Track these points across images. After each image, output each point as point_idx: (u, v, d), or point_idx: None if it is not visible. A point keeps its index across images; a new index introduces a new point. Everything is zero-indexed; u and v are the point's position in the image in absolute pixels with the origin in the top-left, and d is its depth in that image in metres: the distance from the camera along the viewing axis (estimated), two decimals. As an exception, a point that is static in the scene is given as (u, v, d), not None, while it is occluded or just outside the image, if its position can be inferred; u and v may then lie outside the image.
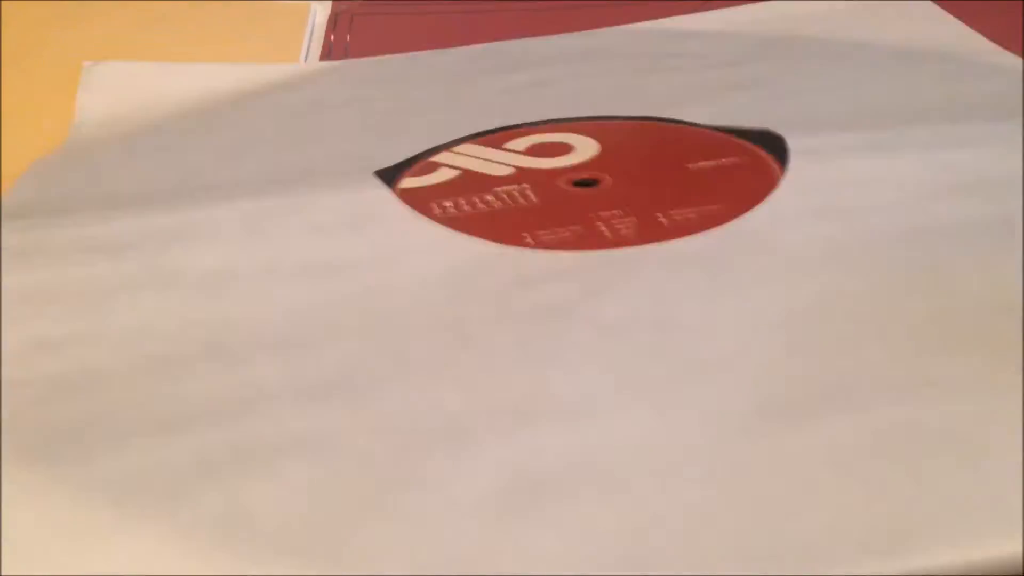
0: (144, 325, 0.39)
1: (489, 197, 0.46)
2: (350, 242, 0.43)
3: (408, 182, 0.47)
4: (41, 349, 0.37)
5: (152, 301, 0.40)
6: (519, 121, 0.53)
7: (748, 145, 0.48)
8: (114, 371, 0.36)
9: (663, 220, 0.43)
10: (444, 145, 0.51)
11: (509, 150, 0.50)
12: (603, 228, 0.42)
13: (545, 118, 0.53)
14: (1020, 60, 0.57)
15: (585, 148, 0.49)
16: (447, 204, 0.45)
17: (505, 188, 0.46)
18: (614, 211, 0.44)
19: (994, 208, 0.42)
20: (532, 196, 0.46)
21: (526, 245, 0.42)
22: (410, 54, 0.66)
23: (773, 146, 0.48)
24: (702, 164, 0.47)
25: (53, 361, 0.37)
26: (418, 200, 0.46)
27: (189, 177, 0.50)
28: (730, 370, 0.34)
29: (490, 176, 0.47)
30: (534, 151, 0.49)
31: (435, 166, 0.48)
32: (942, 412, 0.32)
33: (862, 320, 0.36)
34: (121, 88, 0.61)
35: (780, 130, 0.49)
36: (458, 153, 0.50)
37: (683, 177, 0.46)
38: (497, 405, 0.33)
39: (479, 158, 0.49)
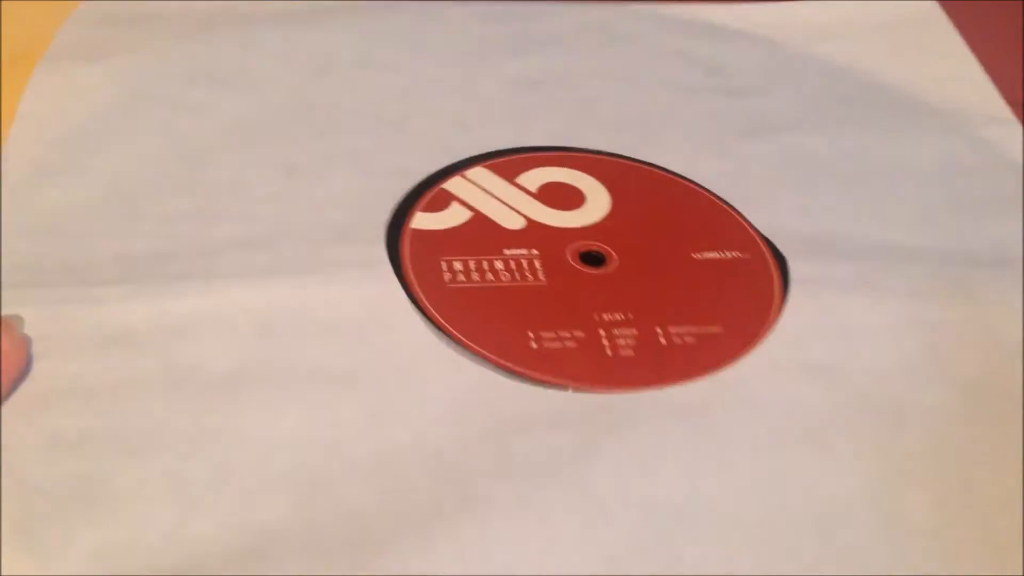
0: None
1: (498, 264, 0.46)
2: (358, 357, 0.43)
3: (420, 220, 0.47)
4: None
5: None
6: (531, 144, 0.53)
7: (753, 237, 0.49)
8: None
9: (662, 339, 0.44)
10: (457, 166, 0.51)
11: (521, 187, 0.50)
12: (604, 340, 0.44)
13: (559, 144, 0.53)
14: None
15: (596, 202, 0.50)
16: (457, 266, 0.46)
17: (514, 253, 0.47)
18: (617, 315, 0.45)
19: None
20: (540, 272, 0.46)
21: (528, 356, 0.43)
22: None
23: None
24: (708, 255, 0.48)
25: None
26: (428, 251, 0.46)
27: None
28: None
29: (502, 229, 0.48)
30: (546, 195, 0.49)
31: (447, 199, 0.49)
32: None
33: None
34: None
35: (781, 239, 0.50)
36: (470, 181, 0.50)
37: (687, 274, 0.47)
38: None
39: (491, 195, 0.49)
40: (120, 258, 0.45)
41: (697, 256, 0.48)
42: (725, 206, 0.51)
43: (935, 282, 0.48)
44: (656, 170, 0.52)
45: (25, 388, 0.40)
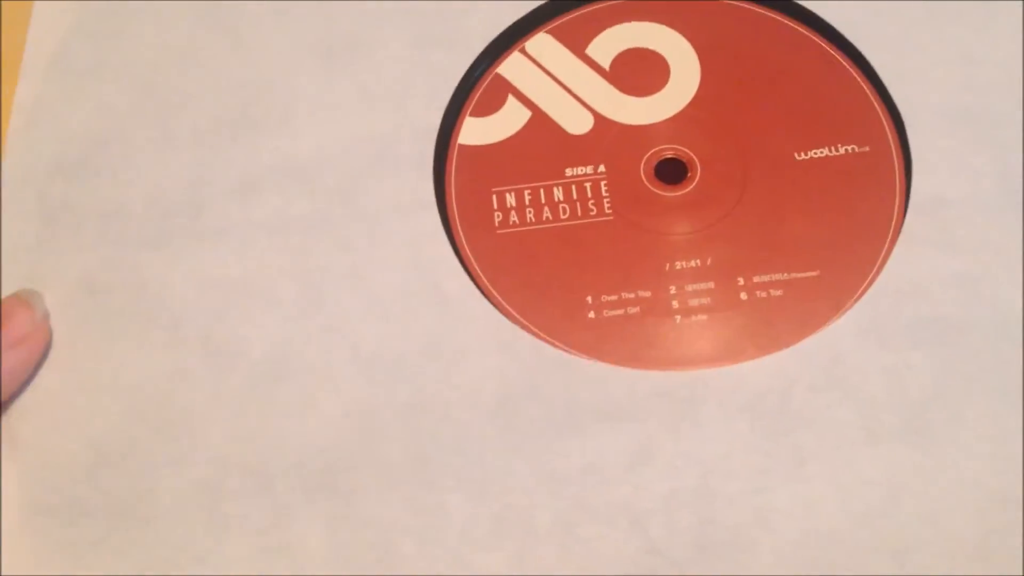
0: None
1: (558, 194, 0.40)
2: (406, 329, 0.40)
3: (470, 130, 0.41)
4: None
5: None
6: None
7: (879, 118, 0.40)
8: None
9: (743, 294, 0.39)
10: (517, 31, 0.42)
11: (591, 62, 0.41)
12: (674, 301, 0.39)
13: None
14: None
15: (683, 76, 0.41)
16: (510, 201, 0.40)
17: (578, 173, 0.40)
18: (692, 262, 0.39)
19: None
20: (605, 201, 0.40)
21: (583, 331, 0.39)
22: None
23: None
24: (814, 154, 0.40)
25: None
26: (478, 178, 0.41)
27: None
28: None
29: (565, 135, 0.41)
30: (621, 72, 0.41)
31: (503, 92, 0.41)
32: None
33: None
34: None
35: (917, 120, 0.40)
36: (531, 59, 0.41)
37: (784, 188, 0.40)
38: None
39: (555, 80, 0.41)
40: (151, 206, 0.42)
41: (801, 157, 0.40)
42: (849, 66, 0.41)
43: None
44: (761, 9, 0.42)
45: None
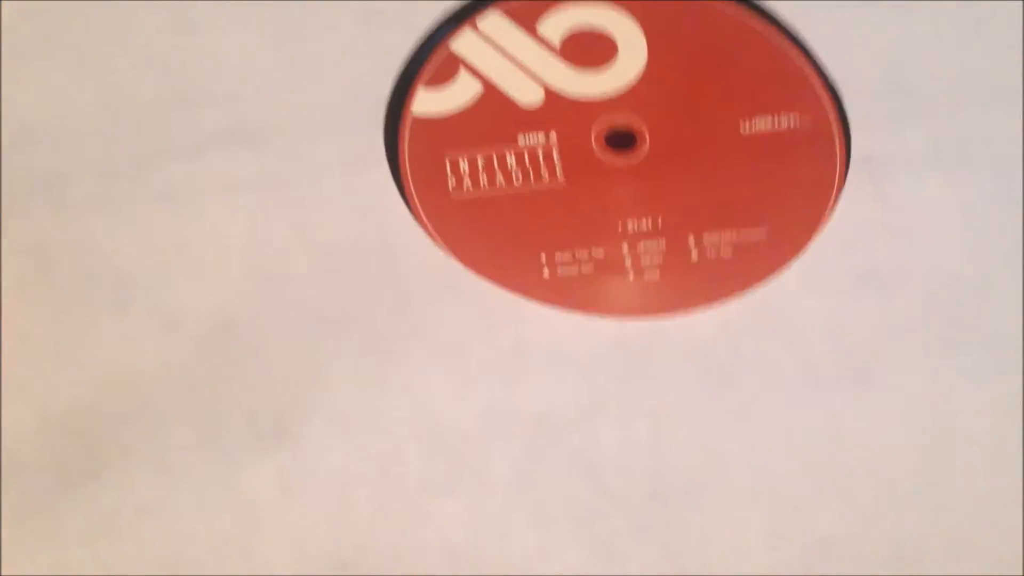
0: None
1: (511, 160, 0.42)
2: (356, 280, 0.43)
3: (423, 101, 0.41)
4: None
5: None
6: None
7: (817, 91, 0.40)
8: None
9: (694, 251, 0.42)
10: (467, 10, 0.40)
11: (543, 41, 0.40)
12: (628, 259, 0.42)
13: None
14: None
15: (631, 53, 0.40)
16: (463, 167, 0.42)
17: (530, 141, 0.42)
18: (644, 221, 0.42)
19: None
20: (558, 167, 0.42)
21: (538, 284, 0.43)
22: None
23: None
24: (758, 126, 0.41)
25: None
26: (432, 146, 0.42)
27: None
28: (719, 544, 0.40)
29: (516, 107, 0.41)
30: (571, 48, 0.40)
31: (454, 65, 0.40)
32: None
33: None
34: None
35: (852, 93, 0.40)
36: (482, 36, 0.40)
37: (730, 156, 0.41)
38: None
39: (506, 55, 0.40)
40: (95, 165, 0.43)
41: (745, 127, 0.41)
42: (789, 47, 0.40)
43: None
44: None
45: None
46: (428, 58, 0.41)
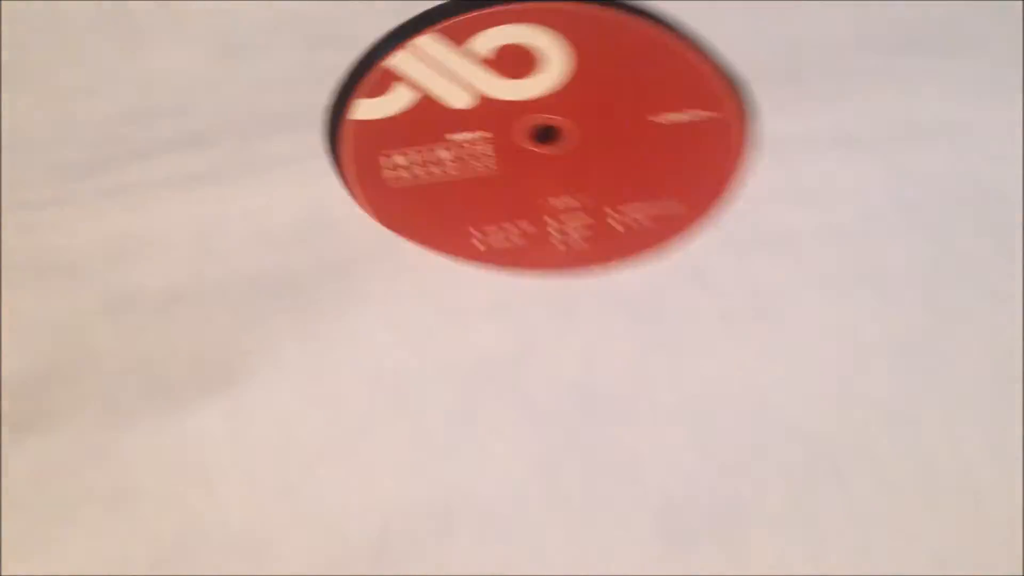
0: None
1: (443, 153, 0.45)
2: (297, 253, 0.46)
3: (363, 108, 0.44)
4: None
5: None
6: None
7: (719, 87, 0.44)
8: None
9: (614, 222, 0.47)
10: (401, 33, 0.42)
11: (472, 55, 0.42)
12: (552, 231, 0.46)
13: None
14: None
15: (556, 63, 0.43)
16: (398, 160, 0.45)
17: (462, 137, 0.45)
18: (567, 199, 0.46)
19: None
20: (490, 159, 0.45)
21: (471, 254, 0.47)
22: None
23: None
24: (668, 117, 0.44)
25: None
26: (368, 145, 0.45)
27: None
28: (644, 471, 0.42)
29: (449, 110, 0.44)
30: (499, 60, 0.43)
31: (390, 79, 0.43)
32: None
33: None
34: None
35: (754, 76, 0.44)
36: (415, 53, 0.42)
37: (645, 141, 0.45)
38: (421, 504, 0.41)
39: (439, 67, 0.43)
40: (53, 170, 0.45)
41: (657, 120, 0.45)
42: (694, 50, 0.43)
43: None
44: (624, 13, 0.42)
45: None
46: (365, 74, 0.43)
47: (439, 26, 0.43)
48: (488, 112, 0.44)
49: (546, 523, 0.38)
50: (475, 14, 0.43)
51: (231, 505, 0.39)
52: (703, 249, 0.45)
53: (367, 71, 0.43)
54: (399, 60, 0.43)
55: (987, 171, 0.45)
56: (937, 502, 0.37)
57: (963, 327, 0.42)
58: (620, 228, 0.46)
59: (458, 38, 0.43)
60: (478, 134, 0.45)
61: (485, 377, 0.43)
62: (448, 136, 0.45)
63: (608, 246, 0.46)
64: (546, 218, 0.46)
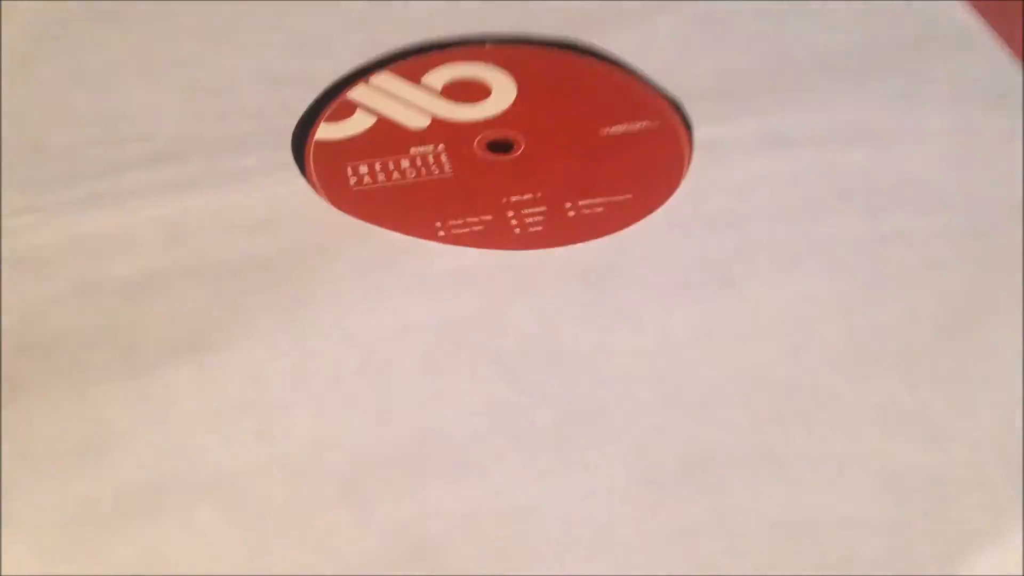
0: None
1: (404, 163, 0.46)
2: (273, 244, 0.44)
3: (324, 132, 0.47)
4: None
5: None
6: (436, 37, 0.53)
7: (661, 104, 0.49)
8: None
9: (572, 213, 0.44)
10: (360, 72, 0.51)
11: (427, 88, 0.49)
12: (513, 220, 0.44)
13: (464, 35, 0.53)
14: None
15: (502, 91, 0.49)
16: (362, 170, 0.46)
17: (420, 149, 0.47)
18: (526, 195, 0.45)
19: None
20: (446, 165, 0.46)
21: (437, 239, 0.43)
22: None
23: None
24: (615, 129, 0.48)
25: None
26: (333, 159, 0.46)
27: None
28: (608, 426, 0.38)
29: (406, 130, 0.48)
30: (451, 91, 0.49)
31: (351, 108, 0.48)
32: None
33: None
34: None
35: (690, 98, 0.50)
36: (374, 88, 0.49)
37: (595, 149, 0.47)
38: (392, 447, 0.37)
39: (396, 98, 0.49)
40: (25, 184, 0.46)
41: (605, 132, 0.48)
42: (635, 76, 0.51)
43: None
44: (564, 51, 0.52)
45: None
46: (327, 105, 0.48)
47: (395, 65, 0.49)
48: (443, 130, 0.48)
49: (517, 465, 0.38)
50: (426, 56, 0.50)
51: (204, 448, 0.38)
52: (653, 229, 0.45)
53: (331, 102, 0.48)
54: (359, 93, 0.48)
55: (897, 165, 0.48)
56: (895, 435, 0.39)
57: (895, 282, 0.43)
58: (574, 216, 0.44)
59: (413, 75, 0.49)
60: (435, 147, 0.47)
61: (451, 335, 0.41)
62: (408, 150, 0.47)
63: (564, 233, 0.44)
64: (508, 212, 0.44)
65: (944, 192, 0.46)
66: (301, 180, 0.46)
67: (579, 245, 0.43)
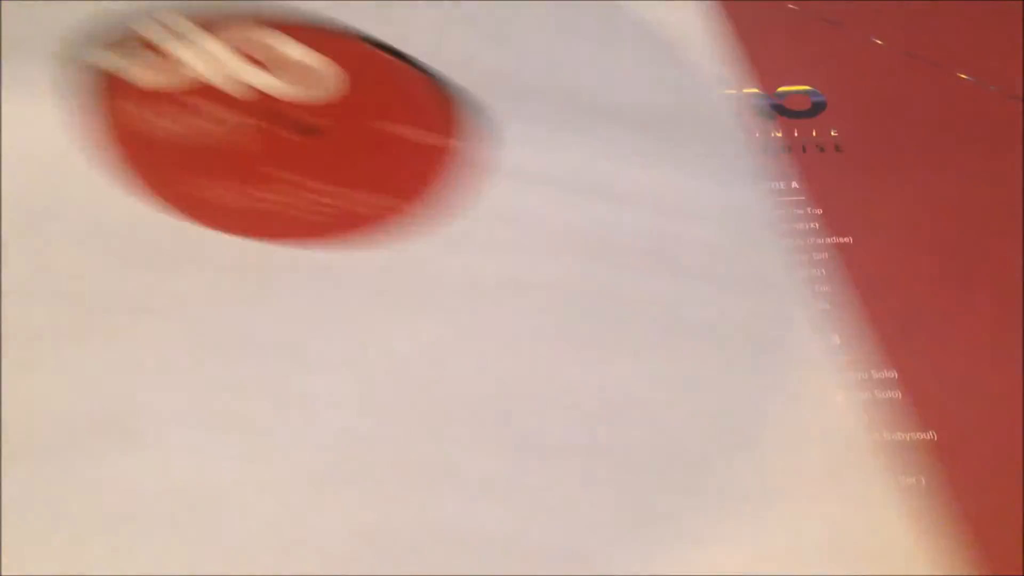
0: None
1: (208, 124, 0.48)
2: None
3: (138, 77, 0.49)
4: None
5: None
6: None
7: (448, 118, 0.51)
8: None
9: (346, 204, 0.47)
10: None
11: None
12: (291, 204, 0.46)
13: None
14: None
15: (325, 79, 0.51)
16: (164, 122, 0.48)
17: (226, 115, 0.49)
18: (314, 182, 0.47)
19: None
20: (249, 138, 0.48)
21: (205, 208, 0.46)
22: None
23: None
24: (406, 132, 0.50)
25: None
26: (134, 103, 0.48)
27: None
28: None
29: (226, 96, 0.50)
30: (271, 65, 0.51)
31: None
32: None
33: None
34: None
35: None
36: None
37: (382, 146, 0.49)
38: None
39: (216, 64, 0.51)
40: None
41: (396, 132, 0.50)
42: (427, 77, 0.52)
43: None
44: (396, 60, 0.54)
45: None
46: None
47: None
48: (262, 104, 0.49)
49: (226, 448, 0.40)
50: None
51: None
52: (434, 244, 0.47)
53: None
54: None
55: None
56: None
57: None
58: (347, 208, 0.47)
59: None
60: (246, 120, 0.49)
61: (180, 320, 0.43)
62: (216, 113, 0.49)
63: (343, 224, 0.46)
64: (289, 191, 0.46)
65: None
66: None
67: (344, 246, 0.46)
